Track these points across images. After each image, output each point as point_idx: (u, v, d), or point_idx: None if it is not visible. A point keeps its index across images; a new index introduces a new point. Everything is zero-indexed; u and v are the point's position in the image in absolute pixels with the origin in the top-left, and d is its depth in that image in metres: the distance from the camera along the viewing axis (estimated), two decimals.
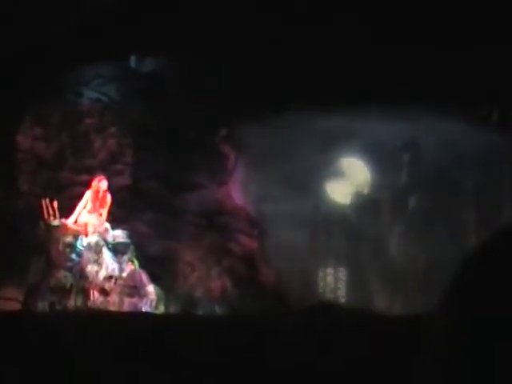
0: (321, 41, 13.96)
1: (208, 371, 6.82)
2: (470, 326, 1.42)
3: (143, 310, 12.71)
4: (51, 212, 13.19)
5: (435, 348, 1.45)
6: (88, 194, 13.48)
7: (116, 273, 13.02)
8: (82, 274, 12.85)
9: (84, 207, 13.39)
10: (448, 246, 13.35)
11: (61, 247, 13.00)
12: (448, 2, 13.68)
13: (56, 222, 13.15)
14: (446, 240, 14.13)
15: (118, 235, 13.44)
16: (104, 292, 12.84)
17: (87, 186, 13.68)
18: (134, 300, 12.93)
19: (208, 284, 14.48)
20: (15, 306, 12.71)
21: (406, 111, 13.52)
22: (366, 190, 15.44)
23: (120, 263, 13.14)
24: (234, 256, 14.75)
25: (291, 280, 14.52)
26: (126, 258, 13.26)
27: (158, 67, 15.46)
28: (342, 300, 14.72)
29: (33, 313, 11.69)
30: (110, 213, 13.54)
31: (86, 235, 13.16)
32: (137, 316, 10.67)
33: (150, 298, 13.04)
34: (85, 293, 12.77)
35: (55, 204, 13.25)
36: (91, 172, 14.27)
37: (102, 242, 13.14)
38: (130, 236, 13.56)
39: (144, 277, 13.18)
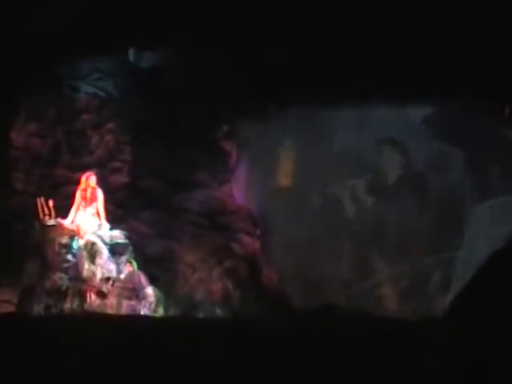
0: (322, 38, 13.86)
1: (210, 377, 6.90)
2: (474, 328, 1.31)
3: (142, 313, 12.67)
4: (47, 211, 13.17)
5: (438, 350, 1.39)
6: (79, 192, 13.50)
7: (114, 274, 12.99)
8: (78, 276, 12.83)
9: (78, 207, 13.38)
10: None
11: (56, 248, 12.98)
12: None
13: (52, 222, 13.12)
14: None
15: (116, 235, 13.39)
16: (101, 294, 12.80)
17: None
18: (133, 302, 12.88)
19: (209, 286, 14.39)
20: (9, 308, 12.67)
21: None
22: (368, 188, 15.51)
23: (118, 264, 13.12)
24: (235, 257, 14.67)
25: (294, 281, 14.54)
26: (124, 258, 13.22)
27: (158, 61, 15.31)
28: (347, 302, 14.45)
29: (27, 316, 11.56)
30: (107, 212, 13.51)
31: (83, 235, 13.10)
32: (135, 319, 10.68)
33: (149, 300, 12.99)
34: (81, 295, 12.75)
35: (51, 203, 13.21)
36: (88, 169, 14.11)
37: (99, 243, 13.08)
38: (128, 236, 13.50)
39: (143, 278, 13.13)
